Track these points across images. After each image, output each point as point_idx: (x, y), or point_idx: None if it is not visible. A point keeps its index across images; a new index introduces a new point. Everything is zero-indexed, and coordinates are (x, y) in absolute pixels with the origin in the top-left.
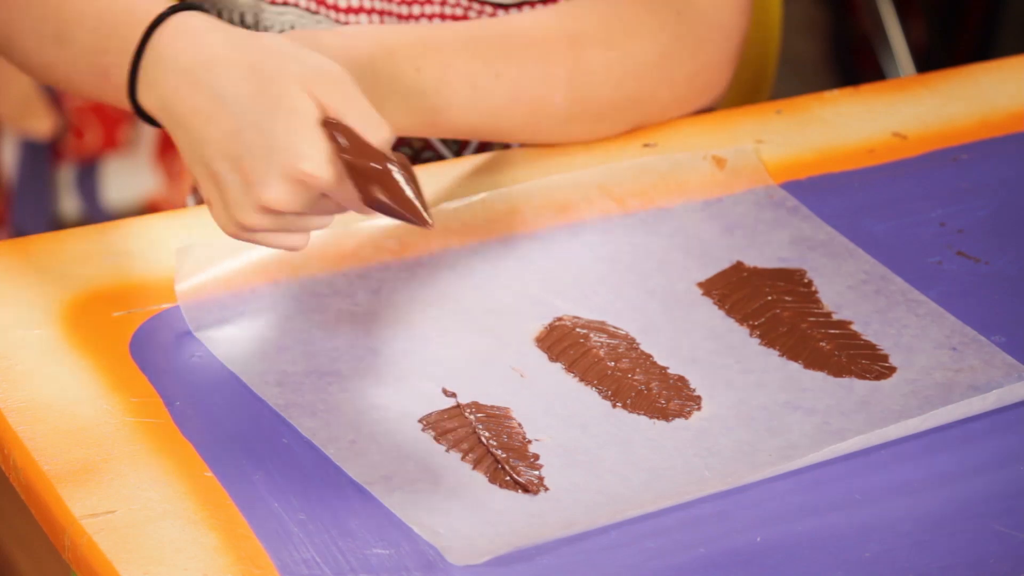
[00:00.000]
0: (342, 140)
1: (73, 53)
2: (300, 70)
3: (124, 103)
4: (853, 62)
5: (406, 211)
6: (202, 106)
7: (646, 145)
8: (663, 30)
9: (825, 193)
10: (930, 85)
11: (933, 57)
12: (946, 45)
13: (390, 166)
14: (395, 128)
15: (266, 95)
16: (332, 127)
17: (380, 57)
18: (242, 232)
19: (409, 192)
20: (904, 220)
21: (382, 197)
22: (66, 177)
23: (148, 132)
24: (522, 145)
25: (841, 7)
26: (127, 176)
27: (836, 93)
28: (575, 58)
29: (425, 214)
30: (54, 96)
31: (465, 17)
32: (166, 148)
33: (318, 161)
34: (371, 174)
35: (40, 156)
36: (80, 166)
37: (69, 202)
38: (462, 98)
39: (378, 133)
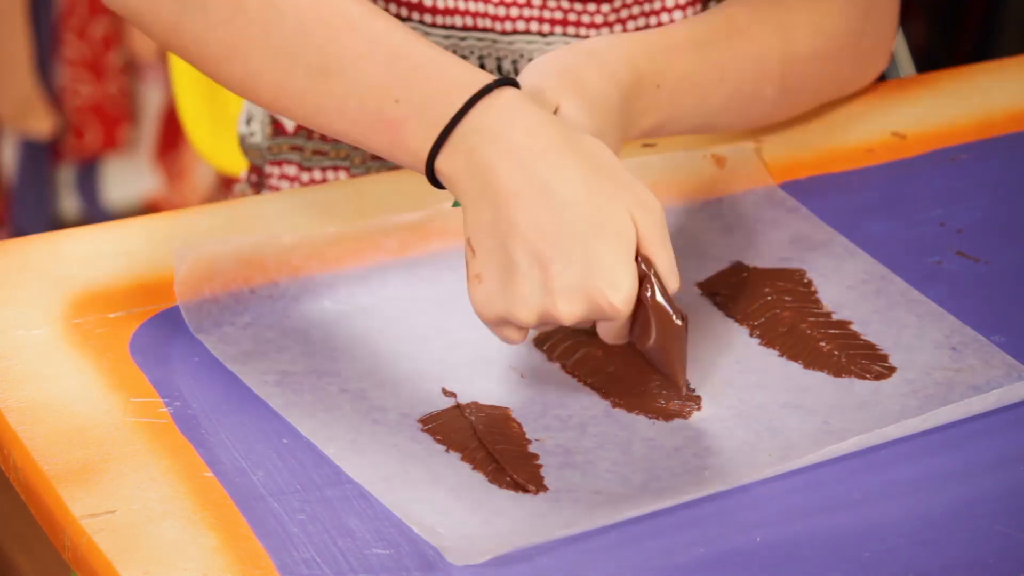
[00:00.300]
0: (653, 283)
1: (342, 90)
2: (630, 198)
3: (405, 156)
4: None
5: (671, 369)
6: (525, 192)
7: (645, 145)
8: (854, 5)
9: (825, 193)
10: (930, 85)
11: (933, 57)
12: (946, 45)
13: (680, 327)
14: (632, 137)
15: (597, 211)
16: (644, 267)
17: (633, 83)
18: (501, 324)
19: (680, 356)
20: (904, 220)
21: (656, 350)
22: (66, 177)
23: (148, 132)
24: None
25: None
26: (127, 176)
27: None
28: (784, 49)
29: (683, 379)
30: (54, 96)
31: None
32: (166, 148)
33: (627, 297)
34: (662, 327)
35: (40, 156)
36: (80, 166)
37: (69, 202)
38: (690, 106)
39: (674, 283)
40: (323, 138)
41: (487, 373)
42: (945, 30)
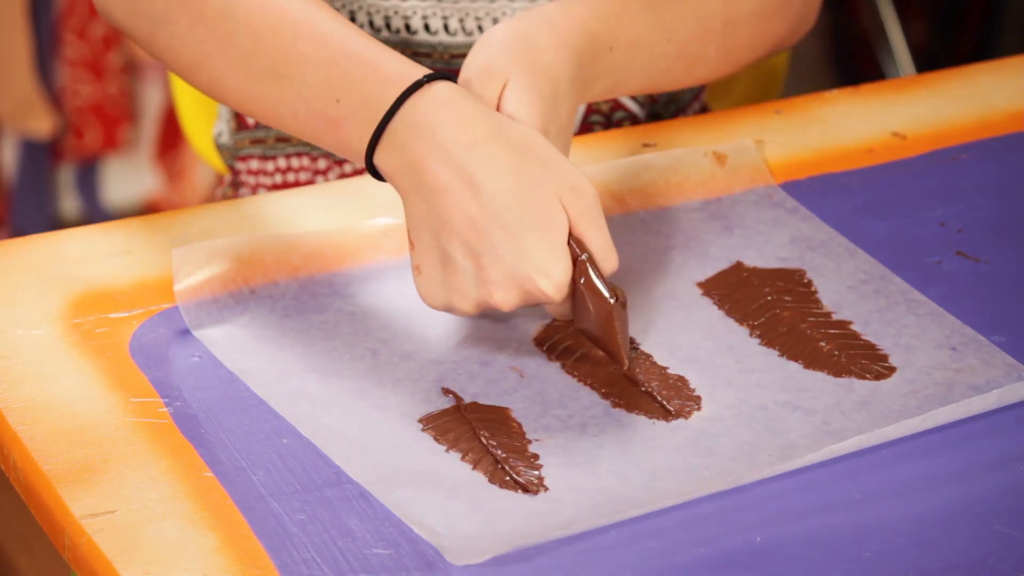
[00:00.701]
0: (587, 265)
1: (291, 93)
2: (558, 183)
3: (349, 153)
4: (853, 62)
5: (610, 347)
6: (453, 187)
7: (645, 145)
8: None
9: (825, 193)
10: (930, 85)
11: (933, 57)
12: (946, 45)
13: (614, 305)
14: (586, 101)
15: (524, 200)
16: (577, 249)
17: (586, 47)
18: (445, 310)
19: (619, 332)
20: (904, 220)
21: (594, 328)
22: (66, 177)
23: (148, 132)
24: None
25: (841, 7)
26: (127, 176)
27: (836, 93)
28: (726, 9)
29: (625, 357)
30: (54, 96)
31: None
32: (166, 148)
33: (559, 283)
34: (597, 306)
35: (40, 156)
36: (80, 166)
37: (69, 202)
38: (639, 68)
39: (610, 263)
40: None
41: (487, 373)
42: (945, 30)
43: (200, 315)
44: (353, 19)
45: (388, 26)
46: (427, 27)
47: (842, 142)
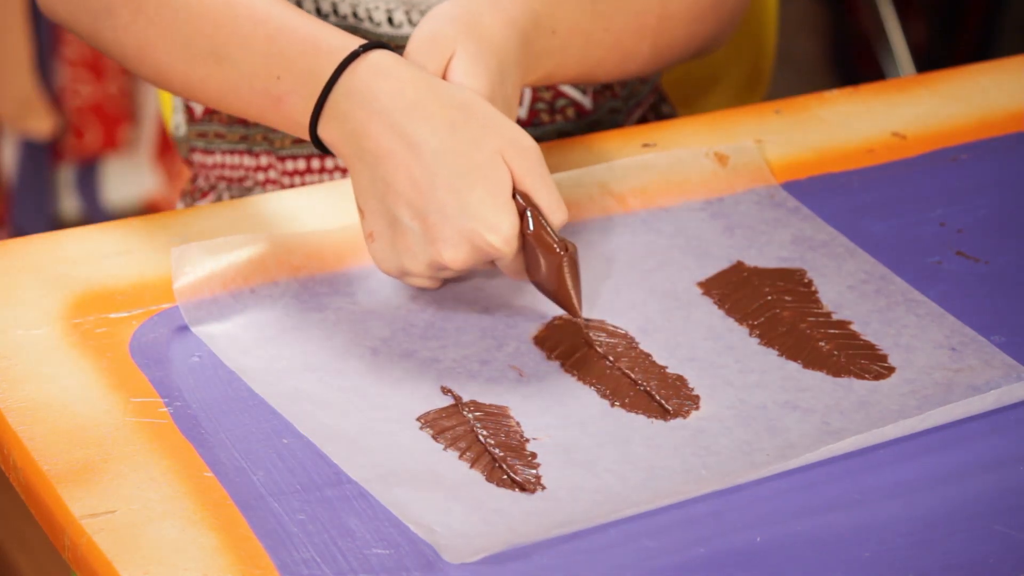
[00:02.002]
0: (529, 218)
1: (234, 74)
2: (499, 140)
3: (294, 129)
4: (853, 62)
5: (563, 300)
6: (395, 150)
7: (645, 145)
8: None
9: (825, 193)
10: (930, 85)
11: (933, 57)
12: (946, 45)
13: (564, 256)
14: (527, 83)
15: (465, 158)
16: (523, 203)
17: (531, 27)
18: (402, 275)
19: (570, 284)
20: (904, 220)
21: (546, 283)
22: (66, 177)
23: (148, 132)
24: None
25: (841, 7)
26: (127, 176)
27: (836, 93)
28: (661, 8)
29: (578, 307)
30: (54, 96)
31: None
32: (166, 148)
33: (507, 236)
34: (547, 259)
35: (40, 156)
36: (80, 166)
37: (69, 202)
38: (577, 55)
39: (558, 216)
40: (223, 120)
41: (487, 372)
42: (945, 30)
43: (200, 314)
44: (299, 5)
45: (335, 11)
46: (371, 18)
47: (842, 142)
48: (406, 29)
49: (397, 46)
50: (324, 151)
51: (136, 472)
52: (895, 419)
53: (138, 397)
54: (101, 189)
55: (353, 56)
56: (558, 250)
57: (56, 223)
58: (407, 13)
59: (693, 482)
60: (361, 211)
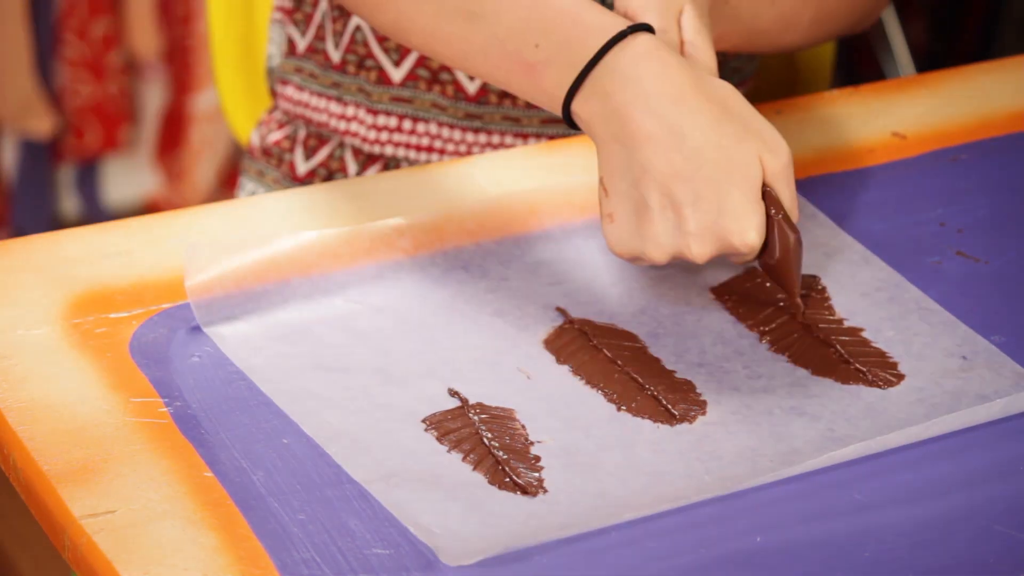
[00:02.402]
0: (772, 201)
1: (485, 34)
2: (758, 140)
3: (543, 99)
4: (853, 62)
5: (792, 288)
6: (658, 136)
7: None
8: None
9: (825, 193)
10: (930, 85)
11: (933, 57)
12: (946, 45)
13: (803, 243)
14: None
15: (727, 155)
16: (770, 198)
17: None
18: (635, 259)
19: (800, 271)
20: (904, 220)
21: (778, 264)
22: (66, 177)
23: (148, 132)
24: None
25: None
26: (127, 176)
27: (836, 93)
28: None
29: (798, 294)
30: (54, 96)
31: None
32: (166, 148)
33: (759, 234)
34: (783, 240)
35: (40, 156)
36: (80, 166)
37: (69, 202)
38: (744, 22)
39: (795, 215)
40: (319, 63)
41: (494, 374)
42: (945, 30)
43: (211, 311)
44: None
45: None
46: None
47: (842, 142)
48: None
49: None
50: (572, 126)
51: (136, 472)
52: (901, 427)
53: (138, 397)
54: (101, 189)
55: (620, 36)
56: (793, 236)
57: (56, 223)
58: None
59: (696, 487)
60: (605, 190)
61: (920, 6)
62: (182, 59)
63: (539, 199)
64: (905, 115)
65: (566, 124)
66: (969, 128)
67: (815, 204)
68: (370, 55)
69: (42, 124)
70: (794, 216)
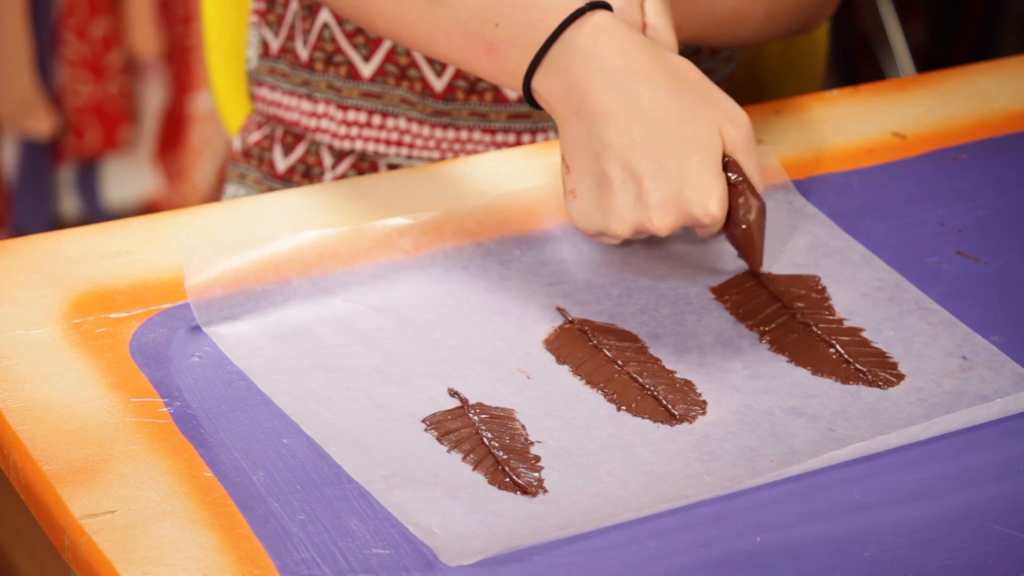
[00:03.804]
0: (737, 175)
1: (447, 17)
2: (717, 113)
3: (504, 78)
4: (853, 62)
5: (753, 250)
6: (617, 110)
7: None
8: None
9: (825, 193)
10: (930, 85)
11: (933, 57)
12: (946, 45)
13: (765, 209)
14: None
15: (687, 126)
16: (733, 166)
17: None
18: (599, 235)
19: (763, 238)
20: (904, 220)
21: (742, 234)
22: (66, 177)
23: (148, 132)
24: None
25: (841, 7)
26: (127, 176)
27: (836, 93)
28: None
29: (762, 260)
30: (54, 96)
31: None
32: (166, 148)
33: (721, 203)
34: (745, 209)
35: (40, 156)
36: (80, 166)
37: (69, 202)
38: (700, 12)
39: (760, 186)
40: (290, 62)
41: (494, 374)
42: (945, 30)
43: (210, 311)
44: None
45: None
46: None
47: (842, 142)
48: None
49: None
50: (534, 105)
51: (136, 472)
52: (901, 427)
53: (138, 397)
54: (101, 189)
55: (578, 13)
56: (757, 203)
57: (56, 223)
58: None
59: (695, 487)
60: (567, 167)
61: (920, 6)
62: (182, 59)
63: (539, 199)
64: (905, 115)
65: (528, 104)
66: (969, 128)
67: (815, 204)
68: (339, 51)
69: (42, 124)
70: (759, 186)
